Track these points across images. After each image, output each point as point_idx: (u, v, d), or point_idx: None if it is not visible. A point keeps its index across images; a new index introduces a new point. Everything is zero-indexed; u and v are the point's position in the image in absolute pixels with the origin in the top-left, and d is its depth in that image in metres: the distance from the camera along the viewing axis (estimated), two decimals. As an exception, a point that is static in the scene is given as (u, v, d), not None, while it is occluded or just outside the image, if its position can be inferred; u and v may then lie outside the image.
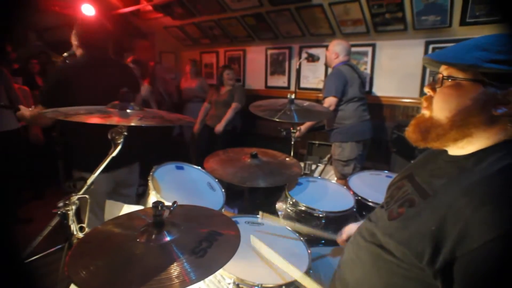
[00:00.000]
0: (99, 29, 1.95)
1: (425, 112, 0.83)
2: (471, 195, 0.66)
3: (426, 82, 3.10)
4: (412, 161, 1.00)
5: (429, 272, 0.68)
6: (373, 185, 1.93)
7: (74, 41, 1.94)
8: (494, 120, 0.71)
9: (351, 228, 1.21)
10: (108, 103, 1.26)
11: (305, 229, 1.43)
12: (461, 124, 0.74)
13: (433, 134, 0.79)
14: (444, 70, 0.78)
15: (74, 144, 1.96)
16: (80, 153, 1.94)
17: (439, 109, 0.79)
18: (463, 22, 2.66)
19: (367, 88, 3.46)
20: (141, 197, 2.34)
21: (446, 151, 0.83)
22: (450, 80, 0.76)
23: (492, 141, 0.73)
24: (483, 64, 0.69)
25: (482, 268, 0.60)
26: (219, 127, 3.87)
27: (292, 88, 4.11)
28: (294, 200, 1.68)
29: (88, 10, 3.57)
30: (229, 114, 3.88)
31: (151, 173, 1.57)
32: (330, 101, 2.77)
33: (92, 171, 1.69)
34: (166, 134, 4.45)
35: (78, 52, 1.95)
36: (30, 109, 1.89)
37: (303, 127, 2.89)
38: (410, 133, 0.85)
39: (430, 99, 0.82)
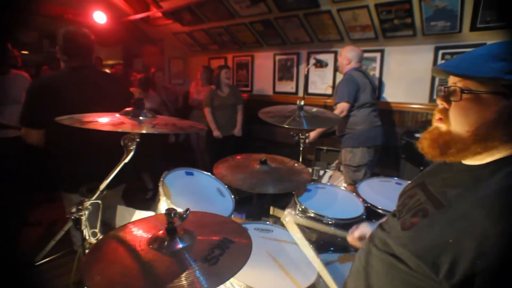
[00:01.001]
0: (80, 39, 1.86)
1: (441, 125, 0.80)
2: (489, 207, 0.64)
3: (436, 88, 3.08)
4: (422, 168, 0.99)
5: (445, 286, 0.66)
6: (383, 192, 1.91)
7: (57, 52, 1.87)
8: None
9: (363, 228, 1.19)
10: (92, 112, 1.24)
11: (317, 226, 1.43)
12: (484, 138, 0.71)
13: (453, 149, 0.76)
14: (458, 82, 0.75)
15: (59, 163, 1.89)
16: (64, 173, 1.89)
17: (459, 123, 0.75)
18: (473, 28, 2.64)
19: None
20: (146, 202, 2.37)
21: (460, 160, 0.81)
22: (468, 93, 0.73)
23: (509, 152, 0.71)
24: (505, 76, 0.67)
25: (505, 283, 0.59)
26: (239, 131, 3.95)
27: (300, 93, 4.13)
28: (303, 207, 1.67)
29: (100, 17, 3.65)
30: (241, 117, 3.95)
31: (161, 179, 1.58)
32: (342, 107, 2.77)
33: (76, 191, 1.68)
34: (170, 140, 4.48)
35: (61, 64, 1.89)
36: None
37: (312, 134, 2.89)
38: (426, 148, 0.81)
39: (445, 112, 0.79)
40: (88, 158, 1.72)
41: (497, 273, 0.59)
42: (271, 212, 1.41)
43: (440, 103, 0.80)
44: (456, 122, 0.76)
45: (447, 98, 0.78)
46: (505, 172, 0.69)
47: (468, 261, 0.62)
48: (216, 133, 3.94)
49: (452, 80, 0.78)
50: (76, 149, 1.76)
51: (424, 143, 0.82)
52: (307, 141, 2.27)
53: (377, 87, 3.41)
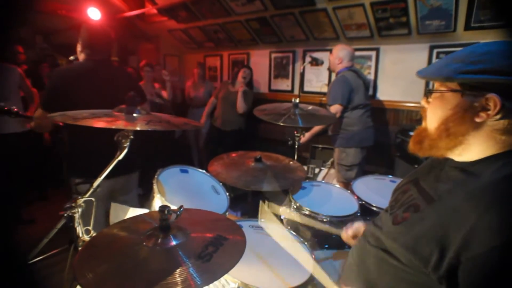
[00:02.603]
0: (103, 35, 1.97)
1: (423, 124, 0.88)
2: (476, 201, 0.66)
3: (430, 87, 3.09)
4: (416, 166, 1.02)
5: (434, 277, 0.68)
6: (377, 189, 1.92)
7: (78, 46, 1.95)
8: (479, 128, 0.74)
9: (357, 226, 1.20)
10: (108, 108, 1.26)
11: (311, 222, 1.44)
12: (447, 134, 0.78)
13: (426, 144, 0.84)
14: (436, 85, 0.84)
15: (71, 150, 1.95)
16: (76, 160, 1.93)
17: (430, 120, 0.84)
18: (467, 27, 2.66)
19: (370, 92, 3.46)
20: (140, 198, 2.37)
21: (451, 158, 0.83)
22: (436, 92, 0.81)
23: (495, 150, 0.74)
24: (457, 76, 0.73)
25: (487, 273, 0.60)
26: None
27: (296, 91, 4.12)
28: (298, 204, 1.68)
29: (94, 14, 3.61)
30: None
31: (155, 176, 1.57)
32: (336, 109, 2.76)
33: (87, 177, 1.70)
34: (168, 137, 4.46)
35: (81, 57, 1.97)
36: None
37: (308, 133, 2.89)
38: (410, 143, 0.90)
39: (425, 112, 0.87)
40: (98, 148, 1.72)
41: (480, 264, 0.61)
42: (264, 209, 1.41)
43: (423, 104, 0.88)
44: (429, 120, 0.85)
45: (427, 99, 0.87)
46: (493, 168, 0.71)
47: (453, 252, 0.64)
48: (203, 119, 4.11)
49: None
50: (88, 137, 1.77)
51: (410, 139, 0.91)
52: (300, 141, 2.27)
53: (371, 86, 3.43)
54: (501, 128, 0.71)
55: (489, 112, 0.70)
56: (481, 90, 0.71)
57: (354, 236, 1.20)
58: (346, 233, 1.22)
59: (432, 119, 0.83)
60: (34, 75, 3.94)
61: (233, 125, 3.99)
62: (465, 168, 0.77)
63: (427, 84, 3.11)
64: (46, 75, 4.09)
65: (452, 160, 0.83)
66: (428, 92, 0.85)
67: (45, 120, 1.84)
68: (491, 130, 0.72)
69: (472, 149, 0.76)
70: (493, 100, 0.69)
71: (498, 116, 0.70)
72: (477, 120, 0.72)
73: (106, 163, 1.23)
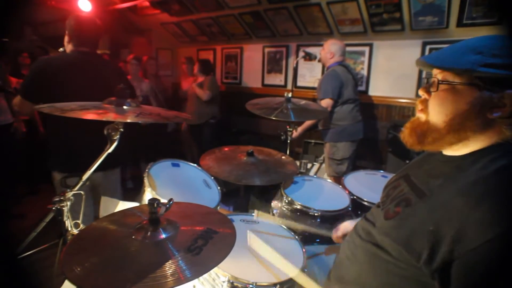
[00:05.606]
0: (91, 25, 1.93)
1: (421, 116, 0.83)
2: (467, 195, 0.66)
3: (422, 83, 3.11)
4: (407, 161, 1.01)
5: (426, 272, 0.68)
6: (369, 184, 1.93)
7: (65, 37, 1.92)
8: (490, 123, 0.72)
9: (346, 225, 1.21)
10: (94, 100, 1.24)
11: (300, 226, 1.43)
12: (458, 128, 0.74)
13: (430, 138, 0.79)
14: (439, 73, 0.78)
15: (54, 144, 1.93)
16: (58, 154, 1.91)
17: (436, 113, 0.79)
18: (460, 24, 2.68)
19: (363, 88, 3.47)
20: (130, 191, 2.35)
21: (441, 152, 0.83)
22: (445, 83, 0.76)
23: (487, 143, 0.74)
24: (478, 69, 0.69)
25: (480, 268, 0.60)
26: None
27: (289, 86, 4.12)
28: (289, 199, 1.68)
29: (85, 5, 3.54)
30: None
31: (146, 170, 1.56)
32: (326, 103, 2.79)
33: (69, 171, 1.68)
34: (160, 131, 4.44)
35: (68, 48, 1.94)
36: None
37: (300, 128, 2.91)
38: (406, 136, 0.85)
39: (425, 102, 0.82)
40: (83, 139, 1.70)
41: (473, 259, 0.61)
42: (255, 215, 1.41)
43: (422, 94, 0.83)
44: (434, 112, 0.79)
45: (428, 89, 0.81)
46: (483, 162, 0.71)
47: (446, 247, 0.64)
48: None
49: (434, 72, 0.80)
50: (72, 129, 1.75)
51: (405, 131, 0.86)
52: (293, 135, 2.28)
53: (364, 81, 3.46)
54: (509, 123, 0.70)
55: (504, 109, 0.69)
56: (501, 85, 0.69)
57: (344, 236, 1.21)
58: (336, 234, 1.23)
59: (440, 112, 0.77)
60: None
61: (204, 116, 4.00)
62: (456, 162, 0.77)
63: (419, 80, 3.13)
64: (28, 65, 3.97)
65: (442, 155, 0.83)
66: (431, 82, 0.79)
67: (24, 107, 1.82)
68: (501, 126, 0.71)
69: (471, 144, 0.75)
70: (510, 97, 0.68)
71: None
72: (490, 116, 0.70)
73: (90, 157, 1.21)
